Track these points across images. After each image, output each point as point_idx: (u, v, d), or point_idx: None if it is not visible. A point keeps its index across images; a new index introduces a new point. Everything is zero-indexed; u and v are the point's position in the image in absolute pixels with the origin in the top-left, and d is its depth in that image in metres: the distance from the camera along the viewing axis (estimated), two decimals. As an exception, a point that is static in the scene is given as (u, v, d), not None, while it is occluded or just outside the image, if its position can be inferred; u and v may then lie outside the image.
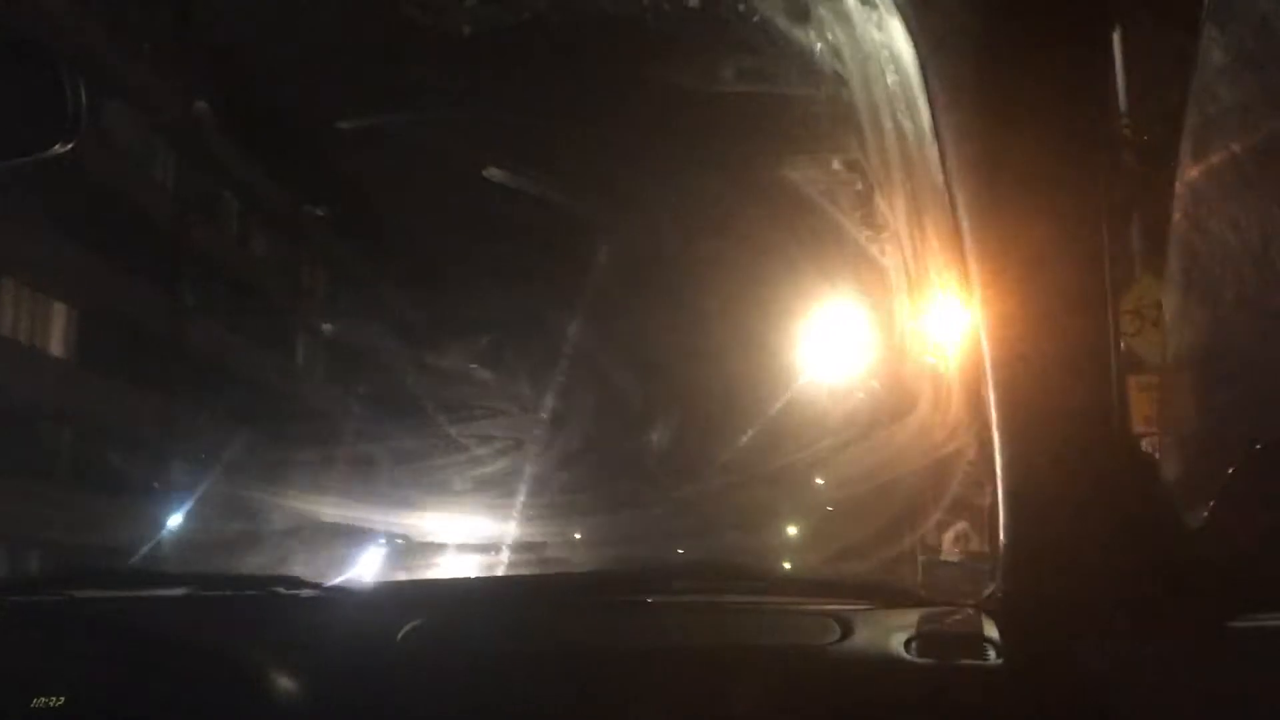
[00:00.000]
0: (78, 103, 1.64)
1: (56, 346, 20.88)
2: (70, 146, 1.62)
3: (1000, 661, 1.91)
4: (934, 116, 1.82)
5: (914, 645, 2.00)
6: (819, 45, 2.77)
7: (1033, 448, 1.81)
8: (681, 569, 3.05)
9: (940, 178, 1.91)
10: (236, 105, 23.68)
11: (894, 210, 3.06)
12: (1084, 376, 1.76)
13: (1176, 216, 1.84)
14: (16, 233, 19.96)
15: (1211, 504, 1.85)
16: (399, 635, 2.05)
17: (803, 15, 2.82)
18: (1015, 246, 1.76)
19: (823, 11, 2.68)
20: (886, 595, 2.47)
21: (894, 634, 2.07)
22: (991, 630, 2.00)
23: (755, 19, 3.06)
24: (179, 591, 2.47)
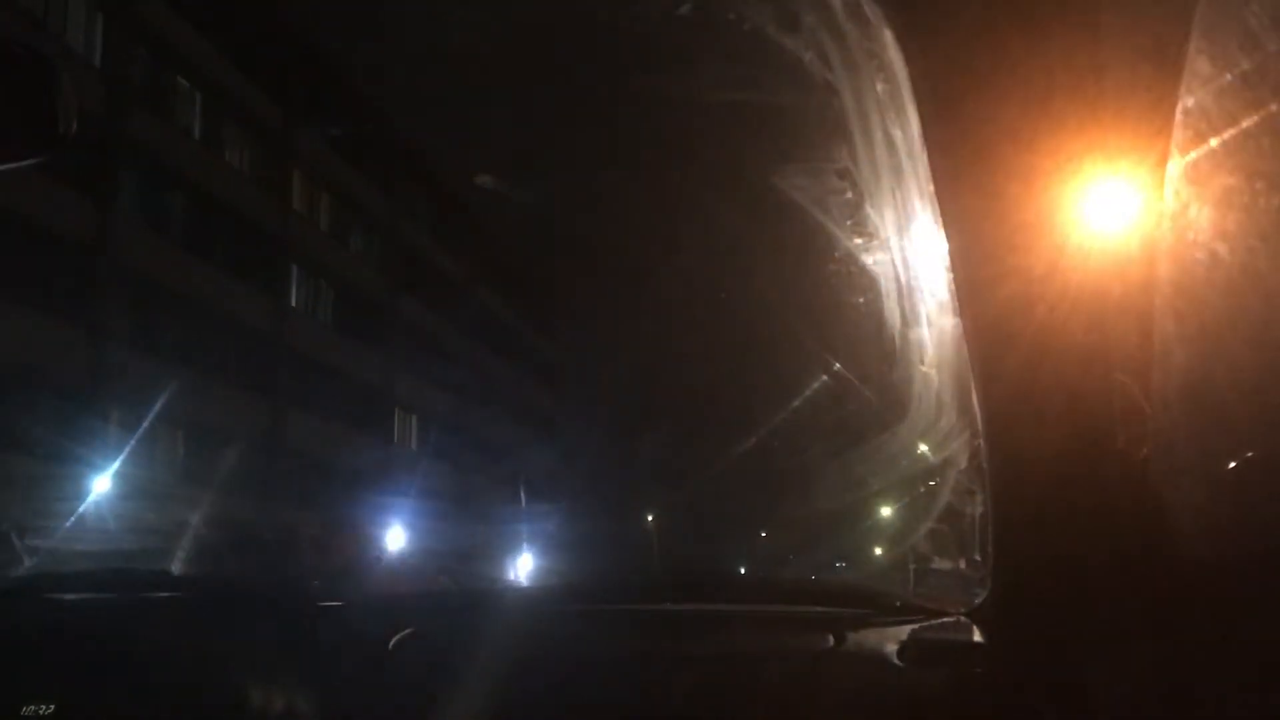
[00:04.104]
0: (69, 107, 1.63)
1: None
2: (60, 152, 1.61)
3: (991, 670, 1.92)
4: (923, 126, 1.82)
5: (906, 653, 2.01)
6: (809, 54, 2.77)
7: (1023, 456, 1.82)
8: (674, 577, 3.05)
9: (930, 187, 1.92)
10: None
11: (883, 219, 3.07)
12: (1074, 384, 1.77)
13: (1167, 225, 1.84)
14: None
15: (1204, 512, 1.85)
16: (390, 644, 2.05)
17: (792, 24, 2.83)
18: (1004, 255, 1.76)
19: (812, 20, 2.69)
20: (878, 603, 2.48)
21: (886, 642, 2.07)
22: (982, 639, 2.00)
23: (745, 27, 3.07)
24: (173, 598, 2.47)
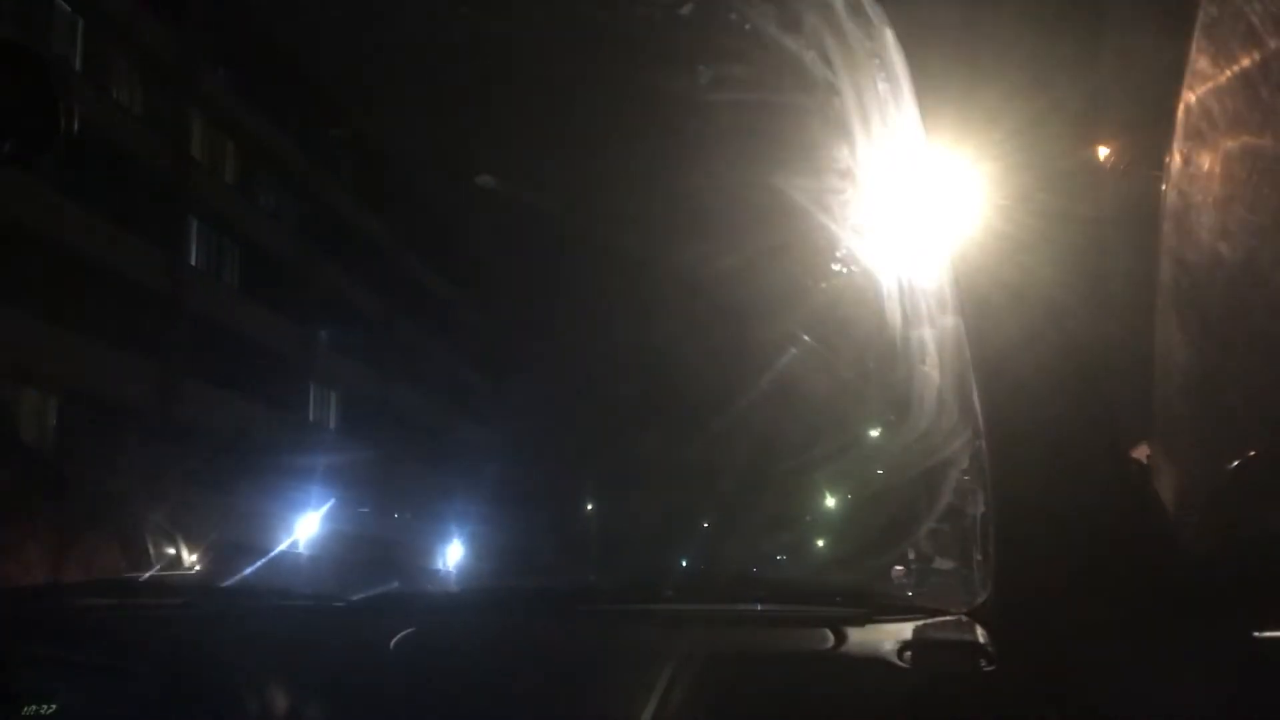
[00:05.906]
0: (68, 106, 1.64)
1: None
2: (56, 150, 1.62)
3: (992, 669, 1.92)
4: (924, 126, 1.82)
5: (907, 653, 2.00)
6: (810, 53, 2.77)
7: (1023, 456, 1.81)
8: (675, 578, 3.05)
9: (931, 186, 1.92)
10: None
11: (884, 218, 3.07)
12: (1074, 386, 1.77)
13: (1167, 225, 1.84)
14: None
15: (1203, 513, 1.85)
16: (391, 643, 2.05)
17: (794, 24, 2.83)
18: (1004, 254, 1.76)
19: (814, 20, 2.69)
20: (880, 604, 2.48)
21: (887, 642, 2.07)
22: (983, 638, 2.00)
23: (746, 27, 3.07)
24: (176, 602, 2.47)
